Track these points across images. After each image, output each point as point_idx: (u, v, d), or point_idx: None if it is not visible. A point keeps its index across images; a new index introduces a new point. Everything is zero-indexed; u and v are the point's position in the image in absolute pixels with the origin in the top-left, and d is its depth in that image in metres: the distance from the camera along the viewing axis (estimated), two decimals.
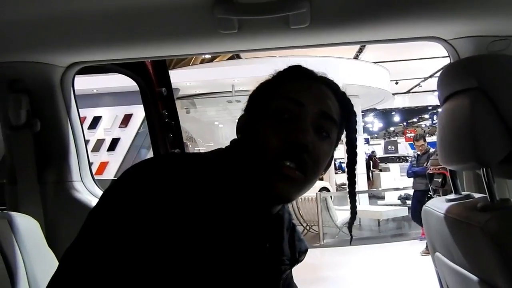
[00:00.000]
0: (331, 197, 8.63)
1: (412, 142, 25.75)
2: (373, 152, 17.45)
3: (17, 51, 0.75)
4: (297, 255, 0.87)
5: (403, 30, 1.14)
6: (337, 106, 0.76)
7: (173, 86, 1.62)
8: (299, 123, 0.70)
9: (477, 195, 1.00)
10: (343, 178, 13.51)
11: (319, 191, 9.65)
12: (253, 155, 0.70)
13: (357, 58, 11.50)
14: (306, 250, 0.91)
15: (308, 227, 8.27)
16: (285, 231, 0.83)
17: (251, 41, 1.13)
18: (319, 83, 0.77)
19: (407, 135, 25.22)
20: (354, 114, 0.80)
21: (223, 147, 0.80)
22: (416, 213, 6.31)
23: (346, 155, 0.81)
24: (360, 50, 11.26)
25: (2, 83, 1.16)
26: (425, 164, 6.25)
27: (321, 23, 1.04)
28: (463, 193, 1.02)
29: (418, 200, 6.29)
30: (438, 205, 1.02)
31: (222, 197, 0.67)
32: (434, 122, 20.84)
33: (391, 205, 9.18)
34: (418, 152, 6.66)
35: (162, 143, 1.56)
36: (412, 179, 6.75)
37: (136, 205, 0.61)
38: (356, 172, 0.83)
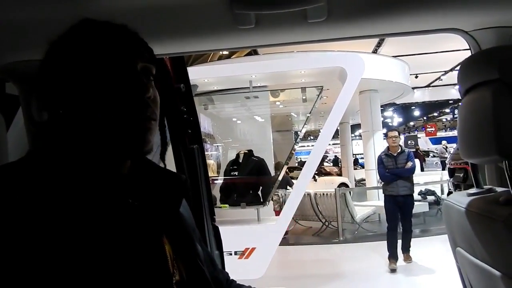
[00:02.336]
0: (350, 192, 8.57)
1: (433, 136, 25.23)
2: (416, 146, 17.20)
3: (44, 49, 0.77)
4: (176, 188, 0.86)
5: (422, 22, 1.12)
6: (144, 48, 0.77)
7: (191, 82, 1.63)
8: (133, 76, 0.72)
9: (499, 189, 0.99)
10: (362, 173, 13.39)
11: (338, 186, 9.62)
12: (96, 125, 0.70)
13: (375, 52, 11.36)
14: (184, 178, 0.88)
15: (327, 223, 8.24)
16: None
17: (268, 35, 1.13)
18: (123, 32, 0.76)
19: (428, 129, 24.87)
20: (151, 50, 0.79)
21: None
22: (394, 223, 5.62)
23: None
24: (379, 44, 11.12)
25: (28, 80, 1.19)
26: (406, 165, 5.49)
27: (338, 17, 1.03)
28: (485, 187, 1.00)
29: (398, 206, 5.49)
30: (459, 199, 1.00)
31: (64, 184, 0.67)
32: (455, 116, 20.48)
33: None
34: (391, 152, 5.57)
35: (181, 139, 1.58)
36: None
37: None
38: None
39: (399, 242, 5.60)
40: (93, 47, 0.71)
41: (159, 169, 0.87)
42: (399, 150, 5.55)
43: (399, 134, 5.80)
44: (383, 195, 5.72)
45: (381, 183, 5.89)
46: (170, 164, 1.39)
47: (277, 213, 6.67)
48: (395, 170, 5.48)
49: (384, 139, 8.69)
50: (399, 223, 5.64)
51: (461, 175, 5.63)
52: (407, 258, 5.69)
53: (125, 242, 0.69)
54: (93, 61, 0.70)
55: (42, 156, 0.72)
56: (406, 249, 5.70)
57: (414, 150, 16.08)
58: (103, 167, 0.73)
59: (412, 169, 5.54)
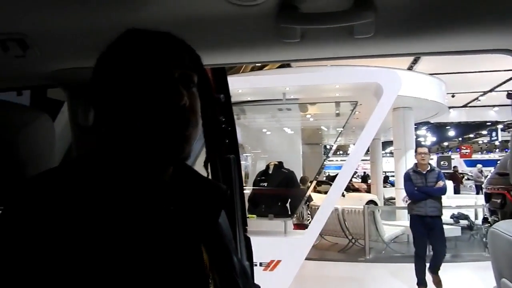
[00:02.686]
0: (378, 210, 8.40)
1: (467, 158, 24.50)
2: (454, 167, 16.76)
3: (93, 57, 0.79)
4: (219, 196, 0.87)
5: (471, 42, 1.09)
6: (186, 55, 0.78)
7: None
8: (168, 84, 0.72)
9: None
10: (391, 192, 13.12)
11: (366, 203, 9.45)
12: (133, 133, 0.71)
13: (411, 69, 11.18)
14: (225, 189, 0.89)
15: (353, 240, 8.09)
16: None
17: (313, 50, 1.13)
18: (165, 40, 0.77)
19: (462, 151, 24.18)
20: (198, 56, 0.82)
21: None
22: (422, 248, 5.38)
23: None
24: (415, 61, 10.94)
25: (77, 86, 1.24)
26: (437, 184, 5.21)
27: (386, 33, 1.01)
28: None
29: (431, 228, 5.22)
30: (508, 227, 0.96)
31: (107, 189, 0.69)
32: (492, 138, 19.83)
33: (443, 223, 8.79)
34: (420, 169, 5.32)
35: (218, 149, 1.59)
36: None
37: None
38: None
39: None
40: (133, 55, 0.73)
41: (201, 178, 0.87)
42: (428, 168, 5.30)
43: (429, 151, 5.54)
44: (409, 215, 5.48)
45: (406, 202, 5.62)
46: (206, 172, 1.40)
47: (295, 227, 6.57)
48: (425, 188, 5.21)
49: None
50: (428, 247, 5.41)
51: (499, 201, 5.43)
52: (437, 283, 5.32)
53: (164, 249, 0.70)
54: (132, 69, 0.72)
55: (90, 161, 0.74)
56: (434, 269, 5.27)
57: (452, 171, 15.61)
58: (144, 173, 0.75)
59: (444, 189, 5.27)
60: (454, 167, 17.11)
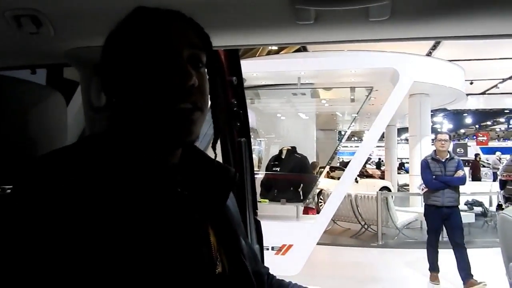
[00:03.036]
0: (392, 196, 8.36)
1: (484, 146, 24.16)
2: (477, 155, 16.55)
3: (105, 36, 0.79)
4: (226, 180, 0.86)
5: (492, 26, 1.05)
6: (195, 35, 0.76)
7: None
8: (177, 64, 0.71)
9: None
10: (405, 178, 13.02)
11: (379, 190, 9.42)
12: (141, 113, 0.70)
13: (430, 55, 10.98)
14: (233, 172, 0.89)
15: (366, 226, 8.09)
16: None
17: (327, 32, 1.10)
18: (174, 18, 0.75)
19: (479, 138, 23.83)
20: (208, 36, 0.79)
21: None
22: (435, 238, 5.16)
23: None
24: (434, 47, 10.72)
25: (88, 66, 1.24)
26: (456, 173, 4.99)
27: (402, 16, 0.99)
28: None
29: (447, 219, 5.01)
30: None
31: (121, 175, 0.68)
32: (510, 126, 19.47)
33: None
34: (438, 157, 5.06)
35: (230, 132, 1.59)
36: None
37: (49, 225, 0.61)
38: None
39: (455, 263, 5.00)
40: (140, 34, 0.72)
41: (209, 160, 0.87)
42: (448, 156, 5.06)
43: (449, 139, 5.22)
44: (424, 204, 5.28)
45: (422, 190, 5.34)
46: (217, 155, 1.40)
47: (304, 210, 6.52)
48: (444, 178, 4.98)
49: (432, 144, 8.34)
50: (442, 238, 5.30)
51: None
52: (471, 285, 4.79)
53: (171, 230, 0.70)
54: (140, 48, 0.71)
55: (98, 141, 0.74)
56: (466, 274, 4.84)
57: (474, 159, 15.40)
58: (152, 155, 0.74)
59: (464, 179, 5.03)
60: (476, 154, 16.81)
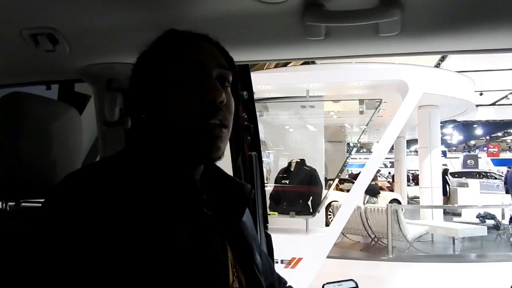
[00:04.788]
0: (402, 209, 8.28)
1: (495, 157, 23.73)
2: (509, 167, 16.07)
3: (119, 53, 0.81)
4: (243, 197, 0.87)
5: (499, 40, 1.06)
6: (222, 56, 0.81)
7: None
8: (207, 82, 0.74)
9: None
10: (415, 191, 12.90)
11: (389, 202, 9.33)
12: (172, 129, 0.73)
13: (438, 66, 10.95)
14: (249, 188, 0.89)
15: (376, 239, 8.01)
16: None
17: (337, 48, 1.12)
18: (203, 41, 0.80)
19: (490, 149, 23.57)
20: (232, 58, 0.84)
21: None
22: None
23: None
24: (442, 58, 10.69)
25: (101, 82, 1.26)
26: None
27: (412, 31, 1.00)
28: None
29: None
30: None
31: (149, 190, 0.70)
32: None
33: (469, 223, 8.60)
34: None
35: (240, 145, 1.60)
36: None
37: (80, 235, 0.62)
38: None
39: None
40: (174, 54, 0.76)
41: (227, 177, 0.89)
42: None
43: None
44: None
45: None
46: (228, 169, 1.41)
47: None
48: None
49: (442, 156, 8.27)
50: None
51: None
52: None
53: (196, 250, 0.71)
54: (174, 66, 0.75)
55: (129, 156, 0.77)
56: None
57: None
58: (181, 170, 0.76)
59: None
60: (509, 167, 16.27)
